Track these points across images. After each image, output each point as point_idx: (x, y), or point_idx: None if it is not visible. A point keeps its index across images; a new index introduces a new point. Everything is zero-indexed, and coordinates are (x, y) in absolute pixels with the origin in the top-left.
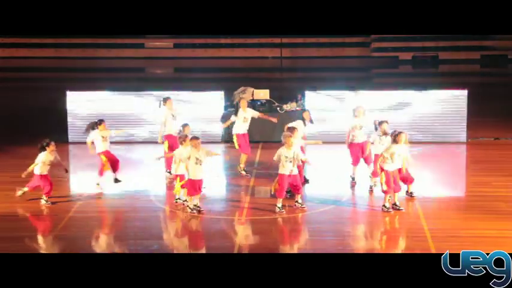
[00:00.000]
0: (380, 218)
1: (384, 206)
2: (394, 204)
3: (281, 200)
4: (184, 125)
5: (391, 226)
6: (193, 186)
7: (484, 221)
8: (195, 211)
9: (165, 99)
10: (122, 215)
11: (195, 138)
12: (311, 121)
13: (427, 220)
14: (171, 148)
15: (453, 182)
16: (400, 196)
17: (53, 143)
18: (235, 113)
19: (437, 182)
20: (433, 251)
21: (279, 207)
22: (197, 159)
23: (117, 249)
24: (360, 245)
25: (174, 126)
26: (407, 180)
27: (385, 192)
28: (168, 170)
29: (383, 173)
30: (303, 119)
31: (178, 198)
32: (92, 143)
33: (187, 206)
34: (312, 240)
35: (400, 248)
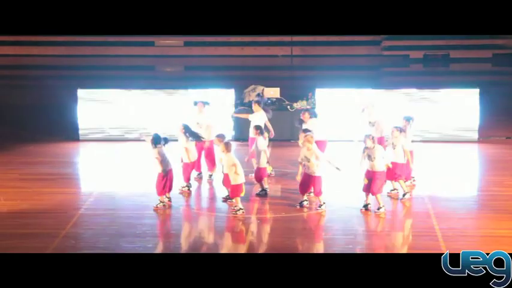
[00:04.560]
0: (390, 218)
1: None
2: (366, 204)
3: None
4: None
5: (402, 225)
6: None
7: (496, 221)
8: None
9: (196, 103)
10: (132, 213)
11: (226, 143)
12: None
13: (438, 219)
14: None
15: (465, 181)
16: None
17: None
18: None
19: (449, 181)
20: (444, 251)
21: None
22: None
23: (126, 248)
24: (370, 244)
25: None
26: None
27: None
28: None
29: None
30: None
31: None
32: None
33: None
34: (315, 240)
35: (411, 247)
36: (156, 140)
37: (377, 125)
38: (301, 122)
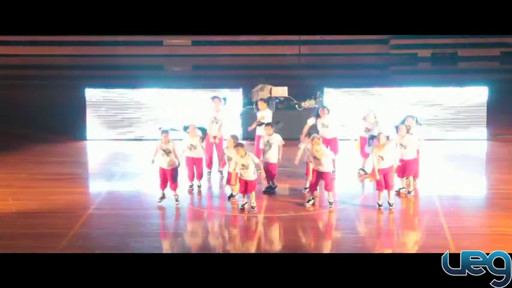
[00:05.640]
0: (399, 216)
1: (377, 203)
2: (388, 203)
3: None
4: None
5: (410, 224)
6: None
7: (505, 219)
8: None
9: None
10: (140, 212)
11: (238, 145)
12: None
13: (446, 218)
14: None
15: (473, 179)
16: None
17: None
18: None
19: (458, 179)
20: (453, 249)
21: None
22: (243, 165)
23: (134, 247)
24: (378, 243)
25: (213, 128)
26: (406, 172)
27: (377, 189)
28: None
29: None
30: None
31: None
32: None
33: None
34: (324, 239)
35: (419, 246)
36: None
37: (373, 130)
38: (319, 116)
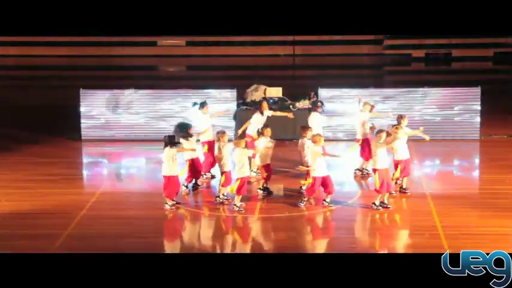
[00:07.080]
0: (393, 216)
1: (373, 203)
2: (382, 202)
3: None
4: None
5: (404, 224)
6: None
7: (498, 219)
8: (239, 209)
9: (203, 104)
10: (135, 213)
11: (241, 138)
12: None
13: (440, 218)
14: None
15: (466, 179)
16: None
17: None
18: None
19: (451, 179)
20: (446, 249)
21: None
22: (248, 157)
23: (128, 248)
24: (372, 243)
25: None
26: (405, 172)
27: (377, 191)
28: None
29: (377, 172)
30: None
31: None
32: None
33: (234, 204)
34: (318, 239)
35: (413, 246)
36: (172, 139)
37: (368, 125)
38: (315, 109)
